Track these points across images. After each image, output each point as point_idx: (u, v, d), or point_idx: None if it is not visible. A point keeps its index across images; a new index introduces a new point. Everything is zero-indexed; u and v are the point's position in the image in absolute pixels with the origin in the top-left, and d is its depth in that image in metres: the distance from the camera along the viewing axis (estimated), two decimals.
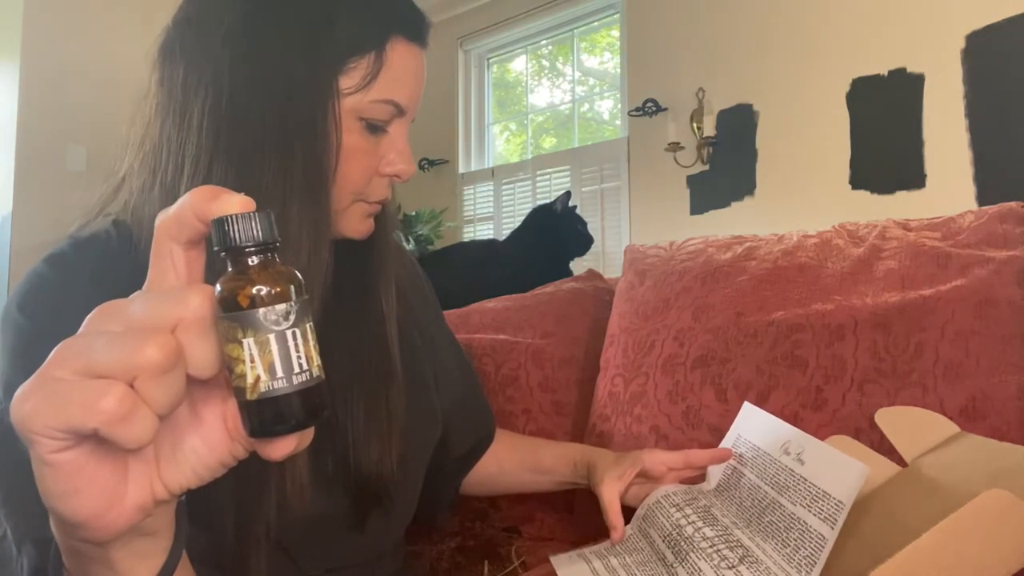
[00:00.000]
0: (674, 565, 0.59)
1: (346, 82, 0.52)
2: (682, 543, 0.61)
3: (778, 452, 0.65)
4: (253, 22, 0.51)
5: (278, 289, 0.29)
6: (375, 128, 0.55)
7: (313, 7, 0.52)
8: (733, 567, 0.55)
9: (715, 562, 0.57)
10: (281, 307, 0.28)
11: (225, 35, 0.50)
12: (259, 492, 0.50)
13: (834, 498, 0.56)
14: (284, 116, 0.50)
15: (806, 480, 0.60)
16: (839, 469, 0.58)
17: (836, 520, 0.54)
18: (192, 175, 0.49)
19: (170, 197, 0.49)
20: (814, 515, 0.56)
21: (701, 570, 0.57)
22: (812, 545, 0.54)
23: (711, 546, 0.59)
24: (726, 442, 0.73)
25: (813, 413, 0.77)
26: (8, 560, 0.45)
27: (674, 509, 0.65)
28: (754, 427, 0.71)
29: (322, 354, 0.30)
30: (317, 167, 0.51)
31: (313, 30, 0.51)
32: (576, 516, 0.96)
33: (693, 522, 0.62)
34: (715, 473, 0.72)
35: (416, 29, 0.56)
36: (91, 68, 3.17)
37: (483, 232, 4.03)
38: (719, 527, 0.61)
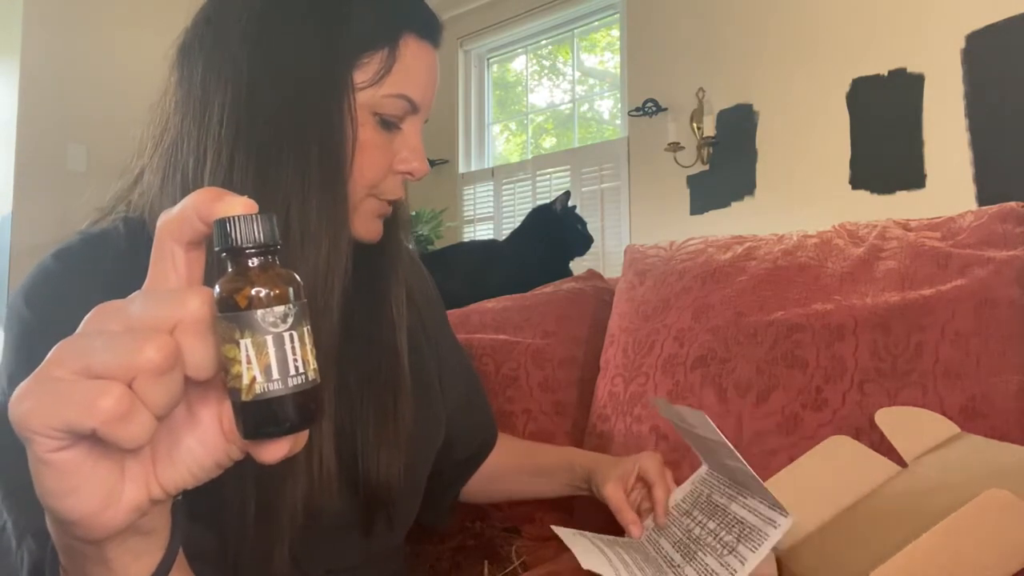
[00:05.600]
0: (681, 566, 0.60)
1: (360, 76, 0.53)
2: (690, 544, 0.62)
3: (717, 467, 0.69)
4: (269, 18, 0.52)
5: (277, 291, 0.28)
6: (389, 124, 0.55)
7: (328, 3, 0.53)
8: (732, 550, 0.57)
9: (718, 552, 0.58)
10: (279, 309, 0.28)
11: (243, 32, 0.51)
12: (284, 483, 0.50)
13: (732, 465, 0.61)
14: (300, 109, 0.51)
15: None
16: (704, 433, 0.63)
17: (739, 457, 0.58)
18: (213, 170, 0.49)
19: (189, 192, 0.49)
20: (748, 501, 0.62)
21: (708, 565, 0.58)
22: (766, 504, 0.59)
23: (714, 537, 0.60)
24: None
25: (813, 413, 0.77)
26: (8, 552, 0.45)
27: (684, 517, 0.66)
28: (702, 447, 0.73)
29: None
30: (333, 160, 0.52)
31: (328, 25, 0.52)
32: (576, 517, 0.96)
33: (700, 522, 0.63)
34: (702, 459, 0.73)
35: (429, 28, 0.57)
36: (91, 68, 3.16)
37: (483, 232, 4.03)
38: (718, 516, 0.63)
